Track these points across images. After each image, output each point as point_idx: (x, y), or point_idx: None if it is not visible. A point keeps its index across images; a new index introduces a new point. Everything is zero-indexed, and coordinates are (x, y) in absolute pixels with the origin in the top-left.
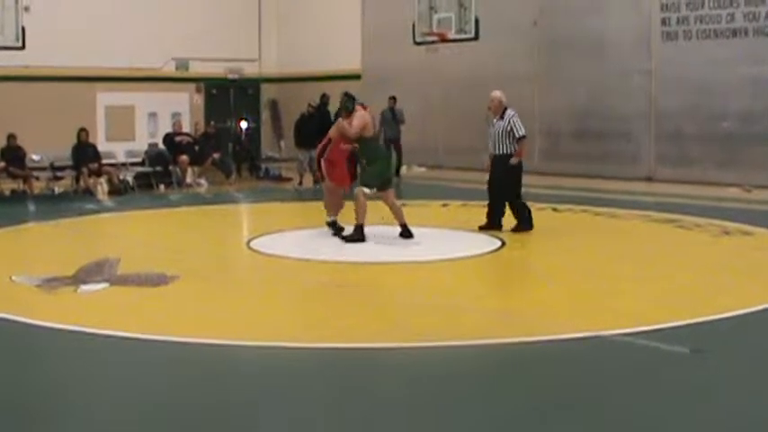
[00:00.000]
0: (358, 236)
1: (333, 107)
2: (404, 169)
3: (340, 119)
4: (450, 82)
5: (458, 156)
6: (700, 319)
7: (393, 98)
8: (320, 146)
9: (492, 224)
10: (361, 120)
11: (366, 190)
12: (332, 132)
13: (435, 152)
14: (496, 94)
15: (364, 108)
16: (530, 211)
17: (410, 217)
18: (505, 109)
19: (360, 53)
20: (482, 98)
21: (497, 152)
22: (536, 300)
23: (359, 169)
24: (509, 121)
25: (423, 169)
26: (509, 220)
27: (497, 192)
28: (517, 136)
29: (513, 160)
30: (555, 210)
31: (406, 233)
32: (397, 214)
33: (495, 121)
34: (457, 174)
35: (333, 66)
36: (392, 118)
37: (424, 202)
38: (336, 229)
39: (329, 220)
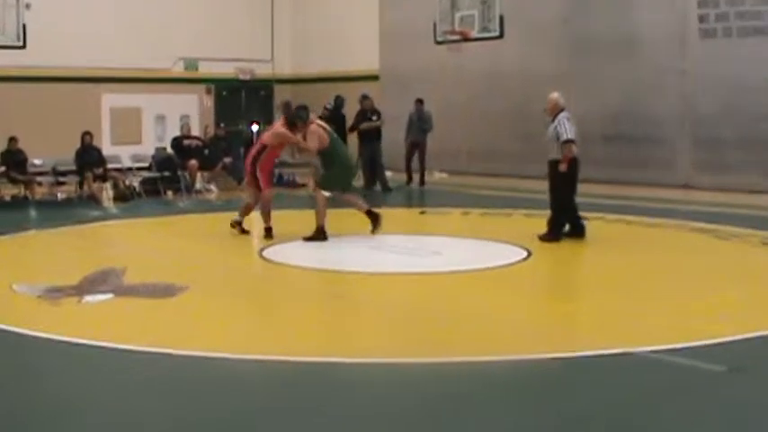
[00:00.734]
0: (319, 236)
1: (350, 109)
2: (426, 175)
3: (279, 126)
4: (474, 83)
5: (481, 161)
6: (738, 336)
7: (420, 101)
8: (254, 151)
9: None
10: (316, 136)
11: (326, 193)
12: (269, 139)
13: (457, 157)
14: (554, 95)
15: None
16: (566, 224)
17: (432, 224)
18: (560, 111)
19: (378, 53)
20: (506, 100)
21: (550, 157)
22: (563, 314)
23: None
24: (557, 124)
25: (444, 175)
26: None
27: (552, 199)
28: (561, 139)
29: (562, 167)
30: (585, 218)
31: (374, 219)
32: (357, 204)
33: (549, 123)
34: (480, 180)
35: (349, 66)
36: (418, 121)
37: (445, 209)
38: (242, 230)
39: (238, 219)
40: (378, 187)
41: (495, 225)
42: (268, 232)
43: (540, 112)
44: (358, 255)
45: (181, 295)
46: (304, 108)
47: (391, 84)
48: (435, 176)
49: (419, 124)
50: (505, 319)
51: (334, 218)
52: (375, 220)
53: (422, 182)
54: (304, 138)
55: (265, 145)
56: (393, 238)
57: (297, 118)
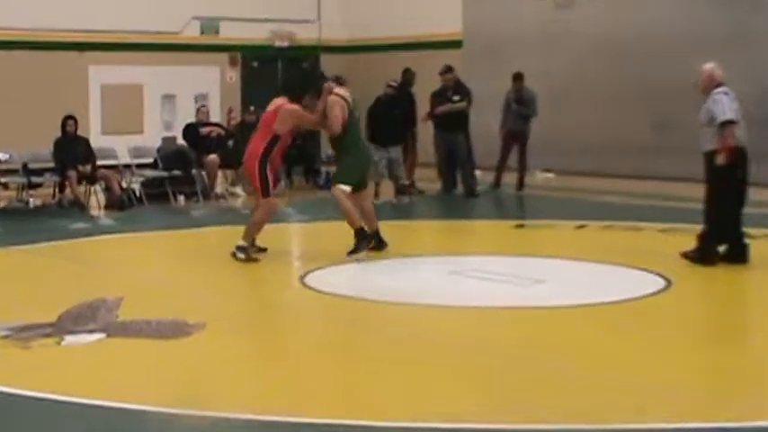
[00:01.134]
0: (367, 242)
1: (422, 87)
2: (527, 176)
3: (286, 103)
4: (590, 51)
5: (599, 156)
6: None
7: (520, 76)
8: (261, 145)
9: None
10: (339, 108)
11: (345, 188)
12: (280, 124)
13: (567, 151)
14: (707, 66)
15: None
16: (723, 242)
17: (533, 242)
18: (717, 86)
19: (460, 11)
20: (634, 74)
21: (703, 148)
22: (709, 369)
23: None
24: (711, 102)
25: (550, 175)
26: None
27: (707, 206)
28: (717, 121)
29: (719, 159)
30: (750, 236)
31: (378, 242)
32: (370, 220)
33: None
34: (598, 182)
35: (421, 29)
36: (516, 104)
37: (551, 222)
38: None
39: (244, 244)
40: (457, 190)
41: (620, 243)
42: (245, 253)
43: (681, 90)
44: (432, 282)
45: (195, 335)
46: (320, 77)
47: (478, 53)
48: (537, 177)
49: (518, 108)
50: (635, 374)
51: (393, 231)
52: (380, 243)
53: (520, 185)
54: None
55: (277, 135)
56: (481, 260)
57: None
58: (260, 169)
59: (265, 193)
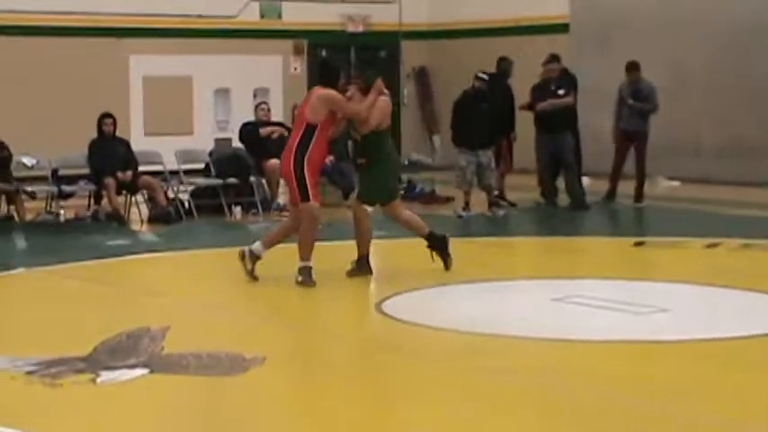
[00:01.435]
0: (363, 269)
1: (521, 79)
2: (646, 184)
3: (321, 89)
4: (723, 36)
5: (735, 162)
6: None
7: (635, 66)
8: (295, 139)
9: None
10: (385, 111)
11: (369, 208)
12: (313, 113)
13: (696, 155)
14: None
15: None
16: None
17: (653, 264)
18: None
19: None
20: None
21: None
22: None
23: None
24: None
25: (675, 184)
26: None
27: None
28: None
29: None
30: None
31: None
32: (418, 225)
33: None
34: (734, 191)
35: (519, 11)
36: (631, 98)
37: (677, 239)
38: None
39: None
40: (558, 200)
41: (761, 266)
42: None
43: None
44: (534, 310)
45: (252, 371)
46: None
47: (588, 39)
48: (660, 186)
49: (634, 104)
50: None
51: (486, 250)
52: (441, 248)
53: (638, 196)
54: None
55: (312, 125)
56: (589, 284)
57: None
58: (295, 167)
59: (303, 197)
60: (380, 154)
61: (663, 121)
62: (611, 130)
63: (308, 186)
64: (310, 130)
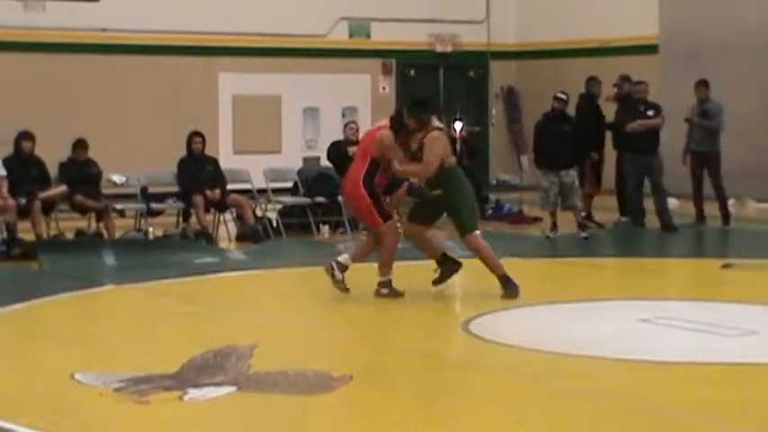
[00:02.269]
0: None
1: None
2: (731, 206)
3: (383, 128)
4: None
5: None
6: None
7: (704, 84)
8: (360, 170)
9: None
10: (441, 145)
11: (478, 233)
12: (372, 148)
13: None
14: None
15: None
16: None
17: (742, 286)
18: None
19: (656, 10)
20: None
21: None
22: None
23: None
24: None
25: (764, 206)
26: None
27: None
28: None
29: None
30: None
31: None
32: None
33: None
34: None
35: (608, 32)
36: (700, 117)
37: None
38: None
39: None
40: (645, 221)
41: None
42: (394, 293)
43: None
44: (621, 331)
45: (339, 390)
46: (422, 104)
47: (678, 60)
48: (750, 208)
49: (697, 121)
50: None
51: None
52: (450, 268)
53: (724, 216)
54: (408, 147)
55: (376, 160)
56: (677, 305)
57: (411, 116)
58: (369, 192)
59: (383, 217)
60: (458, 184)
61: (753, 143)
62: (682, 155)
63: (379, 212)
64: (374, 166)
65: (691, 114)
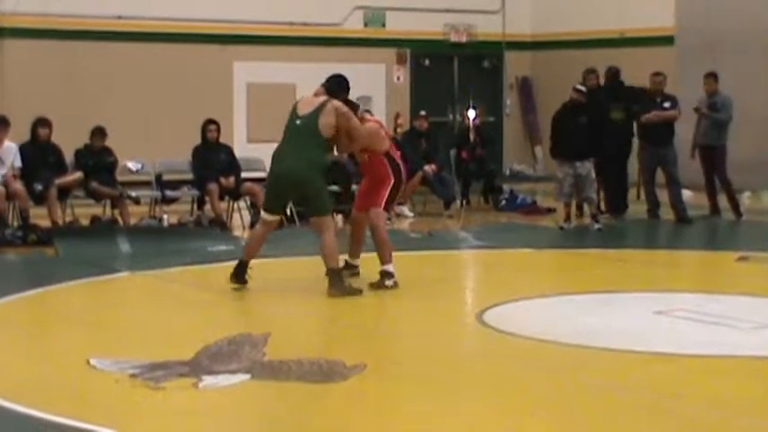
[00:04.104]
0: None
1: None
2: (745, 198)
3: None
4: None
5: None
6: None
7: (713, 76)
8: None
9: None
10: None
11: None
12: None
13: None
14: None
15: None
16: None
17: (758, 278)
18: None
19: (673, 2)
20: None
21: None
22: None
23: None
24: None
25: None
26: None
27: None
28: None
29: None
30: None
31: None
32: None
33: None
34: None
35: (623, 23)
36: (708, 110)
37: None
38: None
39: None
40: (660, 213)
41: None
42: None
43: None
44: (636, 323)
45: (352, 379)
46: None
47: (694, 52)
48: (765, 201)
49: (705, 113)
50: None
51: (589, 261)
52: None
53: (735, 209)
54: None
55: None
56: (693, 298)
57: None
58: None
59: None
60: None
61: (761, 134)
62: (690, 148)
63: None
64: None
65: (699, 105)
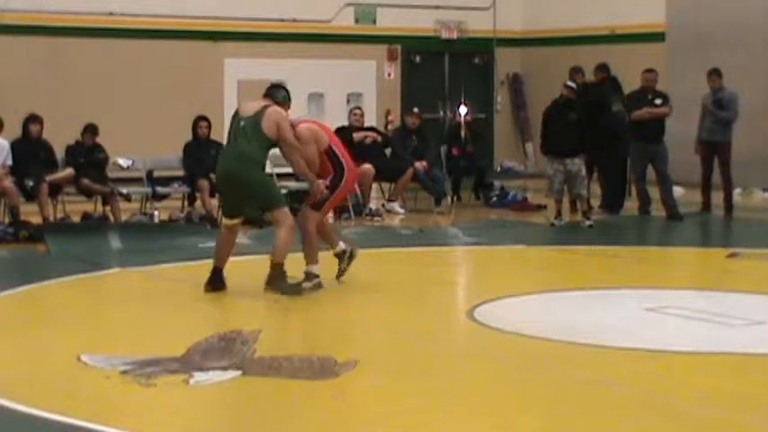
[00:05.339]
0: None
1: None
2: (737, 195)
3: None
4: None
5: None
6: None
7: (717, 73)
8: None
9: None
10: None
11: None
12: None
13: None
14: None
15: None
16: None
17: (748, 275)
18: None
19: None
20: None
21: None
22: None
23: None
24: None
25: None
26: None
27: None
28: None
29: None
30: None
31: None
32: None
33: None
34: None
35: (614, 20)
36: (713, 107)
37: None
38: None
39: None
40: (651, 209)
41: None
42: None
43: None
44: (627, 320)
45: (343, 376)
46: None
47: (685, 48)
48: (755, 198)
49: (713, 111)
50: None
51: (580, 259)
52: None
53: (728, 207)
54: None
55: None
56: (683, 295)
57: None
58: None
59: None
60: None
61: (759, 132)
62: (695, 144)
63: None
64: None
65: (704, 103)
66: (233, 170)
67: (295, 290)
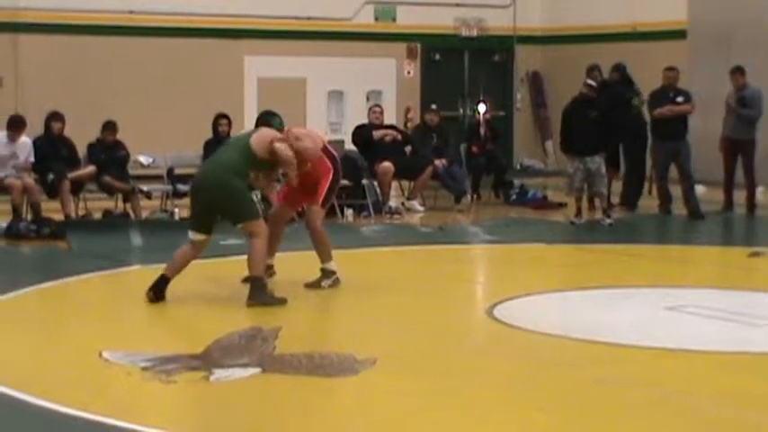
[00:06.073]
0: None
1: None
2: (760, 194)
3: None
4: None
5: None
6: None
7: (740, 70)
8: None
9: None
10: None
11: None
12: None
13: None
14: None
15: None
16: None
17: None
18: None
19: None
20: None
21: None
22: None
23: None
24: None
25: None
26: None
27: None
28: None
29: None
30: None
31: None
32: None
33: None
34: None
35: (635, 17)
36: (737, 104)
37: None
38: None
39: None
40: (672, 208)
41: None
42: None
43: None
44: (647, 319)
45: (363, 373)
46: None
47: (707, 46)
48: None
49: (737, 110)
50: None
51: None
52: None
53: (750, 206)
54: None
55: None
56: (704, 293)
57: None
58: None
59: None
60: None
61: None
62: (719, 142)
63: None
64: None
65: (728, 101)
66: (209, 177)
67: (278, 301)
